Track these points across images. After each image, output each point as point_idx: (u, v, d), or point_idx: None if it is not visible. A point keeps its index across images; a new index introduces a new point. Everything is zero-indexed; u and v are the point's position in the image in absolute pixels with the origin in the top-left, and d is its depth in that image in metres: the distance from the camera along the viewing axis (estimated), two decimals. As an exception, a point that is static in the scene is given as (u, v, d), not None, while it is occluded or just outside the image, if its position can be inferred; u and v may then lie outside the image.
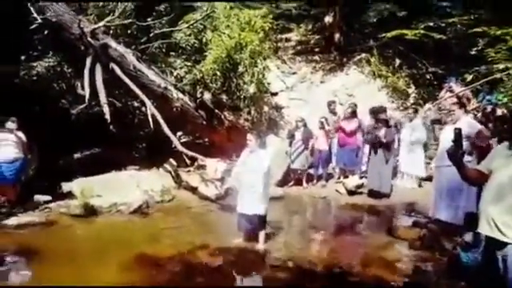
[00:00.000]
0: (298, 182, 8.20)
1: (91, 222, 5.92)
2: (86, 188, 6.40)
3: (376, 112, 7.67)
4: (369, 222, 6.43)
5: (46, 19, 7.60)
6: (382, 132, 7.19)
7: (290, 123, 9.72)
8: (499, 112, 7.43)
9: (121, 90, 8.89)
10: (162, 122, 7.23)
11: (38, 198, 6.47)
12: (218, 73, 8.11)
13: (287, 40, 12.50)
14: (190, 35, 8.62)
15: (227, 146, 8.01)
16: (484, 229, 2.78)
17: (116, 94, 8.68)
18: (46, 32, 7.92)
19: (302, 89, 11.01)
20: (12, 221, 5.61)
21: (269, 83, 10.02)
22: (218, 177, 6.92)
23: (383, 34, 10.42)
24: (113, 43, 7.80)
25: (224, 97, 8.87)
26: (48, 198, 6.47)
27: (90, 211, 6.05)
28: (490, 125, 5.92)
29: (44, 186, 6.76)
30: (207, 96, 8.53)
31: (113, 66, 7.68)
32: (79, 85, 9.13)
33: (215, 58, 8.06)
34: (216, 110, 8.27)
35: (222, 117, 8.32)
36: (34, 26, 7.70)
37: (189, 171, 7.77)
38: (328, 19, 11.67)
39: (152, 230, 5.71)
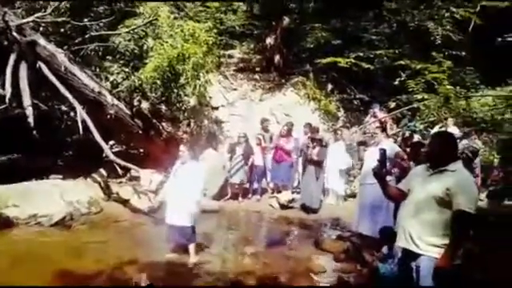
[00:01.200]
0: (235, 196, 8.41)
1: (6, 233, 5.50)
2: (0, 196, 5.91)
3: (310, 131, 8.24)
4: (299, 235, 6.76)
5: (-38, 7, 7.03)
6: (315, 150, 7.70)
7: (229, 138, 9.93)
8: (415, 138, 8.42)
9: (48, 93, 8.43)
10: (92, 128, 6.97)
11: None
12: (158, 82, 8.04)
13: (230, 56, 12.87)
14: (129, 40, 8.45)
15: (163, 157, 7.93)
16: (401, 242, 3.08)
17: (42, 96, 8.20)
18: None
19: (241, 105, 11.37)
20: None
21: (210, 97, 10.15)
22: (153, 189, 6.82)
23: (319, 60, 11.41)
24: (42, 41, 7.41)
25: (163, 107, 8.81)
26: (-47, 206, 5.84)
27: (4, 222, 5.61)
28: (408, 149, 6.73)
29: None
30: (145, 105, 8.42)
31: (40, 65, 7.27)
32: None
33: (156, 67, 8.00)
34: (154, 120, 8.19)
35: (160, 127, 8.25)
36: None
37: (120, 182, 7.54)
38: (269, 41, 12.32)
39: (75, 243, 5.43)
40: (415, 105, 10.03)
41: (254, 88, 11.98)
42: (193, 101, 9.19)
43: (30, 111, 6.89)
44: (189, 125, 9.07)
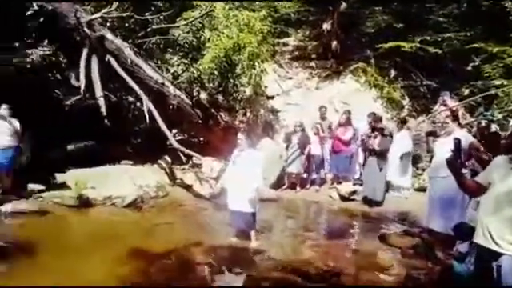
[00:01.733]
0: (292, 186, 8.48)
1: (85, 213, 6.15)
2: (80, 179, 6.61)
3: (374, 120, 7.94)
4: (361, 228, 6.71)
5: (42, 6, 7.77)
6: (377, 140, 7.51)
7: (285, 127, 10.04)
8: (493, 128, 7.82)
9: (116, 84, 9.11)
10: (158, 118, 7.48)
11: (32, 186, 6.63)
12: (216, 72, 8.38)
13: (285, 44, 12.85)
14: (188, 32, 8.85)
15: (222, 146, 8.30)
16: (479, 239, 2.94)
17: (111, 87, 8.86)
18: (41, 19, 8.08)
19: (297, 94, 11.37)
20: (6, 208, 5.76)
21: (265, 86, 10.32)
22: (214, 176, 7.19)
23: (380, 45, 10.84)
24: (109, 35, 8.01)
25: (220, 97, 9.16)
26: (42, 187, 6.64)
27: (84, 202, 6.28)
28: (483, 140, 6.29)
29: (37, 176, 6.92)
30: (203, 95, 8.82)
31: (109, 58, 7.89)
32: (73, 76, 9.32)
33: (213, 58, 8.33)
34: (212, 110, 8.57)
35: (218, 117, 8.62)
36: (29, 12, 7.88)
37: (183, 169, 8.02)
38: (326, 26, 12.06)
39: (146, 224, 5.94)
40: (492, 92, 9.23)
41: (310, 76, 11.84)
42: (248, 90, 9.42)
43: (102, 102, 7.55)
44: (245, 114, 9.35)
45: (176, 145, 7.59)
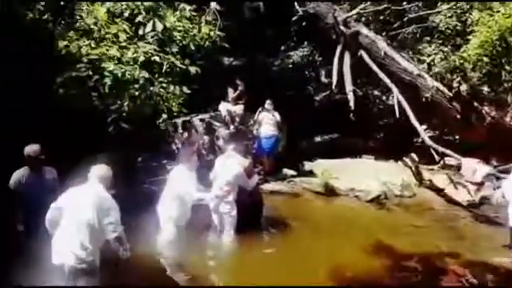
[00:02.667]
0: None
1: (331, 200, 6.55)
2: (326, 169, 7.04)
3: None
4: None
5: (305, 10, 8.72)
6: None
7: None
8: None
9: (363, 79, 9.30)
10: (409, 111, 7.08)
11: (286, 171, 7.57)
12: (485, 59, 7.16)
13: None
14: (451, 17, 8.00)
15: (484, 146, 7.06)
16: None
17: (358, 82, 9.08)
18: (303, 23, 9.09)
19: None
20: (266, 187, 6.76)
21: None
22: (477, 180, 6.16)
23: None
24: (364, 30, 8.18)
25: (485, 88, 7.80)
26: (294, 172, 7.48)
27: (330, 191, 6.67)
28: None
29: (290, 162, 7.86)
30: (464, 87, 7.73)
31: (361, 53, 8.04)
32: (323, 73, 10.11)
33: (482, 42, 7.15)
34: (475, 104, 7.42)
35: (483, 112, 7.38)
36: (295, 17, 9.01)
37: (431, 169, 7.29)
38: None
39: (391, 222, 5.77)
40: None
41: None
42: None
43: (351, 96, 7.78)
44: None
45: (429, 142, 6.99)
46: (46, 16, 5.71)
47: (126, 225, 3.55)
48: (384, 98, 9.38)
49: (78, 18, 5.58)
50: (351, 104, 7.81)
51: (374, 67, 7.77)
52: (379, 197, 6.48)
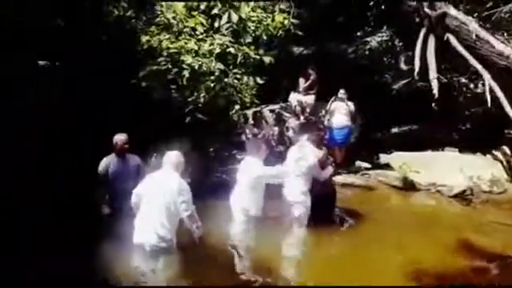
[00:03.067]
0: None
1: (409, 195, 6.22)
2: (404, 162, 6.68)
3: None
4: None
5: (384, -6, 8.26)
6: None
7: None
8: None
9: (447, 65, 8.60)
10: (503, 100, 6.39)
11: (360, 163, 7.35)
12: None
13: None
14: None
15: None
16: None
17: (441, 69, 8.43)
18: (382, 6, 8.61)
19: None
20: (338, 179, 6.55)
21: None
22: None
23: None
24: (452, 11, 7.49)
25: None
26: (368, 165, 7.24)
27: (409, 185, 6.34)
28: None
29: (363, 155, 7.63)
30: None
31: (448, 36, 7.41)
32: (403, 59, 9.53)
33: None
34: None
35: None
36: (373, 1, 8.57)
37: (526, 165, 6.56)
38: None
39: (478, 220, 5.34)
40: None
41: None
42: None
43: (435, 84, 7.23)
44: None
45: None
46: (129, 13, 6.14)
47: (200, 211, 3.82)
48: (472, 85, 8.61)
49: (158, 13, 5.88)
50: (435, 92, 7.27)
51: (463, 51, 7.10)
52: (464, 192, 6.01)
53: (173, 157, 3.86)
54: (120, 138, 4.25)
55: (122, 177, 4.19)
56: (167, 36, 5.63)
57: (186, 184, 3.76)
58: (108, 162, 4.26)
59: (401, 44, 8.97)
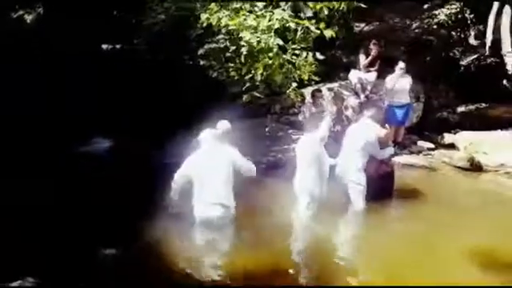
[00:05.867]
0: None
1: (475, 177, 6.01)
2: (471, 142, 6.42)
3: None
4: None
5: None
6: None
7: None
8: None
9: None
10: None
11: (422, 144, 7.13)
12: None
13: None
14: None
15: None
16: None
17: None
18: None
19: None
20: (399, 159, 6.41)
21: None
22: None
23: None
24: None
25: None
26: (431, 145, 7.02)
27: (475, 166, 6.13)
28: None
29: (426, 135, 7.41)
30: None
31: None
32: (472, 34, 8.96)
33: None
34: None
35: None
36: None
37: None
38: None
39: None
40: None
41: None
42: None
43: (509, 59, 6.84)
44: None
45: None
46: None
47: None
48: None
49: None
50: (508, 67, 6.85)
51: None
52: (535, 174, 5.69)
53: (221, 126, 4.13)
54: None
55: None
56: (226, 13, 5.74)
57: (235, 150, 4.07)
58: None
59: (471, 16, 8.40)
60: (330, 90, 7.51)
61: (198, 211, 3.96)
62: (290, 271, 3.51)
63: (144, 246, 3.72)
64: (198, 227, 3.96)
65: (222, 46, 6.16)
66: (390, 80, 7.02)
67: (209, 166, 3.93)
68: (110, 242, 3.74)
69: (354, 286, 3.36)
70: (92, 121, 6.85)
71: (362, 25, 9.01)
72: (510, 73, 6.85)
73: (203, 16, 5.79)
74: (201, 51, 6.45)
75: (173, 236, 3.91)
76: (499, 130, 7.11)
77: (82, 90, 7.25)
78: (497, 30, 7.62)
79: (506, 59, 6.90)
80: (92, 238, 3.78)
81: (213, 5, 5.83)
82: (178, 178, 4.04)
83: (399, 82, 7.06)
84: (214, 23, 5.72)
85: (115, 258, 3.56)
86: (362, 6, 6.14)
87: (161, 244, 3.77)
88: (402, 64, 6.96)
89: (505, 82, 7.85)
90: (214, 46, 6.28)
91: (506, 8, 7.16)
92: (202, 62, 6.54)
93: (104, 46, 8.90)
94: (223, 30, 5.86)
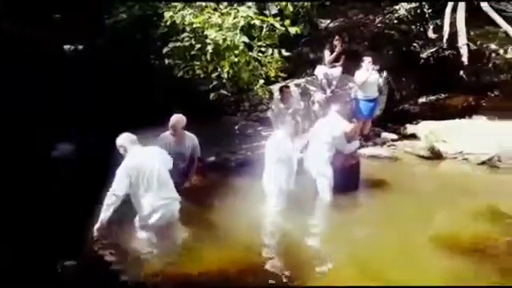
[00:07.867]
0: None
1: (436, 164, 6.31)
2: (431, 132, 6.73)
3: None
4: None
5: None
6: None
7: None
8: None
9: (477, 31, 8.44)
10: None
11: (386, 135, 7.39)
12: None
13: None
14: None
15: None
16: None
17: (469, 35, 8.27)
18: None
19: None
20: (364, 151, 6.59)
21: None
22: None
23: None
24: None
25: None
26: (395, 136, 7.29)
27: (435, 154, 6.43)
28: None
29: (390, 126, 7.70)
30: None
31: (481, 3, 7.28)
32: (430, 28, 9.35)
33: None
34: None
35: None
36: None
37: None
38: None
39: (508, 187, 5.37)
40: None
41: None
42: None
43: (464, 50, 7.20)
44: None
45: None
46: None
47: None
48: (501, 51, 8.45)
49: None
50: (464, 59, 7.24)
51: (496, 17, 7.06)
52: (492, 159, 6.07)
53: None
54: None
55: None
56: (190, 11, 5.73)
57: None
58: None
59: (430, 11, 8.78)
60: (297, 85, 7.66)
61: (151, 211, 3.81)
62: (261, 267, 3.57)
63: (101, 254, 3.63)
64: (152, 228, 3.85)
65: (186, 44, 6.13)
66: (361, 75, 7.17)
67: (148, 166, 3.82)
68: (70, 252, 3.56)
69: (346, 287, 3.35)
70: (54, 123, 6.63)
71: (327, 21, 9.26)
72: (465, 64, 7.20)
73: (167, 14, 5.77)
74: (165, 50, 6.41)
75: (133, 240, 3.86)
76: (457, 119, 7.42)
77: (44, 93, 7.01)
78: (453, 23, 8.02)
79: (462, 51, 7.25)
80: (51, 247, 3.58)
81: (177, 3, 5.81)
82: (119, 188, 3.70)
83: (370, 77, 7.24)
84: (178, 21, 5.71)
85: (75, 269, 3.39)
86: (326, 3, 6.26)
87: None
88: (369, 58, 7.15)
89: (461, 73, 8.29)
90: (178, 44, 6.23)
91: (461, 3, 7.54)
92: (167, 61, 6.50)
93: (66, 47, 8.65)
94: (188, 28, 5.82)
